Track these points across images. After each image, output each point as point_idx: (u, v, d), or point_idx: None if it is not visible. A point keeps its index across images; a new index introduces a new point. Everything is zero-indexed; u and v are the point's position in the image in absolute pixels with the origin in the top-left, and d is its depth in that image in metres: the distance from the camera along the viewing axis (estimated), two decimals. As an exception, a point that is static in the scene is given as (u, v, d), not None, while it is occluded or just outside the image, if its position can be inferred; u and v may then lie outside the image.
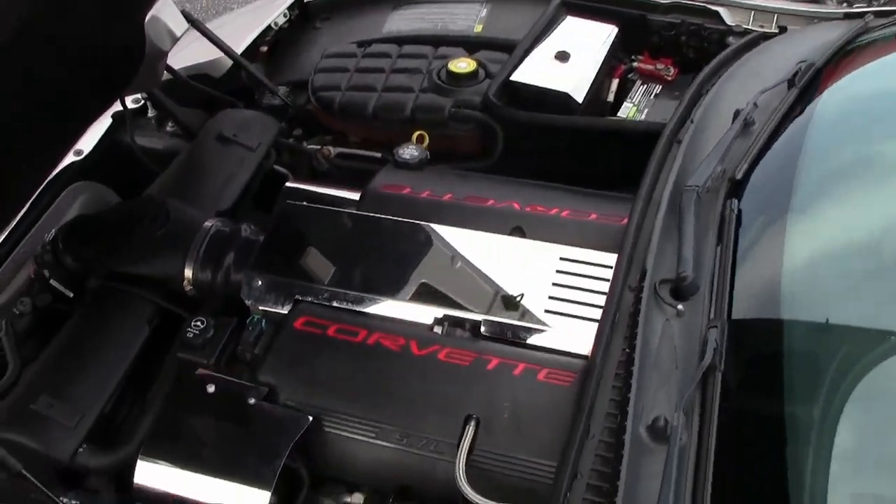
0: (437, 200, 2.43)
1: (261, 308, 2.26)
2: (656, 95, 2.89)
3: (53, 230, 2.50)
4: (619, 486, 1.70)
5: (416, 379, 2.07)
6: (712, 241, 2.08)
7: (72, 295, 2.44)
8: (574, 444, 1.81)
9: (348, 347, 2.13)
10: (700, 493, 1.68)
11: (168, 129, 3.03)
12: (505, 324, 2.14)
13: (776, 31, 2.92)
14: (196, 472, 1.97)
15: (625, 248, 2.11)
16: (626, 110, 2.82)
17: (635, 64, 2.99)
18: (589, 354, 2.01)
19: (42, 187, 2.65)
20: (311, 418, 2.02)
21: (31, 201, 2.62)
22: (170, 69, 2.86)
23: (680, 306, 1.95)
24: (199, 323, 2.22)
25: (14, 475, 2.02)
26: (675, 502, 1.66)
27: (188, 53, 3.02)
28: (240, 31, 3.06)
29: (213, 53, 2.97)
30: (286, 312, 2.23)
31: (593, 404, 1.87)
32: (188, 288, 2.37)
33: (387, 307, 2.20)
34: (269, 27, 3.18)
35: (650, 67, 2.96)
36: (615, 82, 2.97)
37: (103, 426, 2.22)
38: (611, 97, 2.95)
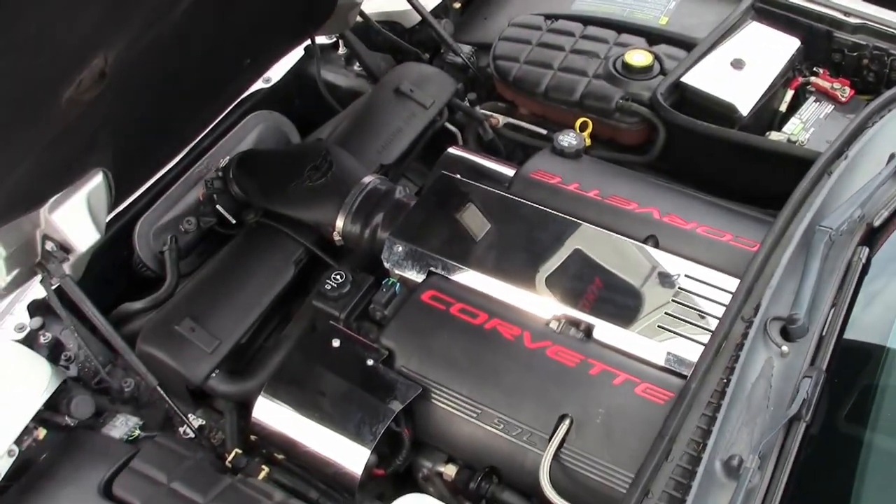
0: (582, 196, 2.50)
1: (397, 272, 2.42)
2: (826, 115, 2.82)
3: (227, 157, 2.72)
4: None
5: (523, 370, 2.19)
6: (833, 288, 2.08)
7: (234, 222, 2.66)
8: (651, 464, 1.88)
9: (466, 328, 2.26)
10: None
11: (355, 68, 3.18)
12: (617, 332, 2.22)
13: None
14: (308, 417, 2.17)
15: (746, 278, 2.11)
16: (793, 126, 2.77)
17: (812, 79, 2.92)
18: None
19: (229, 109, 2.88)
20: (420, 388, 2.18)
21: (217, 121, 2.84)
22: (362, 14, 3.00)
23: (785, 347, 1.96)
24: (338, 276, 2.39)
25: (150, 388, 2.29)
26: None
27: (382, 2, 3.15)
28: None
29: (405, 4, 3.08)
30: (419, 281, 2.38)
31: (679, 429, 1.94)
32: (336, 237, 2.55)
33: (512, 294, 2.31)
34: (460, -17, 3.27)
35: (826, 85, 2.89)
36: (790, 93, 2.91)
37: (238, 355, 2.45)
38: (783, 107, 2.90)
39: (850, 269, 2.12)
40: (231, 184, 2.65)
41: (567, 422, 2.09)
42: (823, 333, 2.01)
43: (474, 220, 2.45)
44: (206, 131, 2.80)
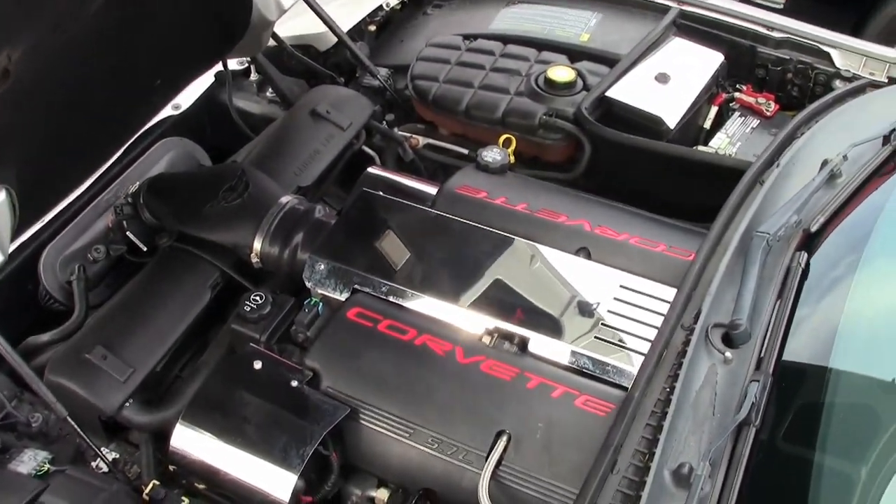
0: (510, 210, 2.42)
1: (320, 292, 2.30)
2: (752, 129, 2.82)
3: (137, 183, 2.58)
4: None
5: (456, 386, 2.09)
6: (773, 293, 2.04)
7: (146, 249, 2.52)
8: (596, 477, 1.80)
9: (395, 345, 2.15)
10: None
11: (267, 94, 3.09)
12: (552, 344, 2.13)
13: (885, 81, 2.81)
14: (230, 444, 2.03)
15: (684, 286, 2.08)
16: (720, 141, 2.76)
17: (736, 94, 2.92)
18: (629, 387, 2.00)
19: (136, 136, 2.75)
20: (348, 409, 2.05)
21: (123, 149, 2.71)
22: (275, 37, 2.92)
23: (728, 353, 1.92)
24: (257, 298, 2.27)
25: (60, 419, 2.13)
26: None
27: (298, 23, 3.07)
28: (350, 7, 3.09)
29: (322, 26, 3.00)
30: (343, 300, 2.26)
31: (624, 439, 1.86)
32: (254, 259, 2.43)
33: (441, 310, 2.21)
34: (380, 6, 3.21)
35: (751, 100, 2.89)
36: (714, 110, 2.90)
37: (152, 384, 2.31)
38: (707, 124, 2.89)
39: (790, 273, 2.09)
40: (142, 209, 2.51)
41: (504, 438, 1.99)
42: (766, 339, 1.96)
43: (394, 247, 2.34)
44: (114, 157, 2.67)
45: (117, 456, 2.27)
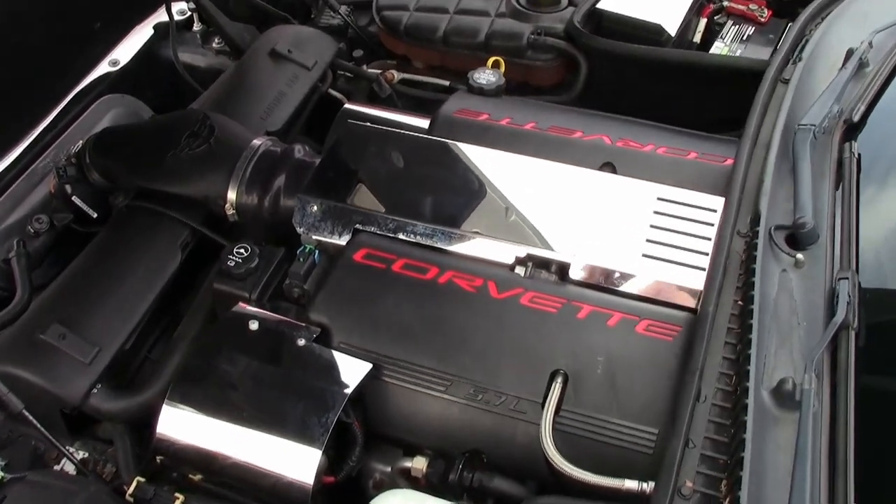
0: (519, 129, 2.13)
1: (314, 237, 1.97)
2: (748, 37, 2.58)
3: (80, 141, 2.22)
4: (745, 458, 1.43)
5: (494, 326, 1.78)
6: (829, 187, 1.86)
7: (95, 215, 2.17)
8: (686, 408, 1.54)
9: (416, 286, 1.84)
10: (841, 469, 1.44)
11: (214, 45, 2.75)
12: (597, 267, 1.84)
13: None
14: (232, 422, 1.68)
15: (733, 190, 1.87)
16: (718, 50, 2.51)
17: (726, 3, 2.67)
18: (693, 306, 1.77)
19: (71, 96, 2.40)
20: (370, 365, 1.73)
21: (57, 111, 2.36)
22: (222, -27, 2.58)
23: (799, 255, 1.72)
24: (241, 250, 1.93)
25: (14, 416, 1.75)
26: (812, 480, 1.42)
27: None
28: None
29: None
30: (344, 243, 1.94)
31: (705, 362, 1.59)
32: (230, 212, 2.08)
33: (462, 242, 1.91)
34: (332, -60, 2.88)
35: (742, 7, 2.65)
36: (703, 22, 2.65)
37: (122, 365, 1.95)
38: (697, 37, 2.63)
39: (845, 165, 1.89)
40: (89, 169, 2.15)
41: (560, 378, 1.70)
42: (839, 235, 1.78)
43: (396, 178, 2.07)
44: (50, 118, 2.32)
45: (86, 455, 1.90)
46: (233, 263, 1.91)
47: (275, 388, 1.72)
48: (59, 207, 2.15)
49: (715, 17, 2.66)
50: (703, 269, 1.81)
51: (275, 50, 2.47)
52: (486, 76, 2.28)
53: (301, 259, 1.93)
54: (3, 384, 1.75)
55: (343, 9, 2.72)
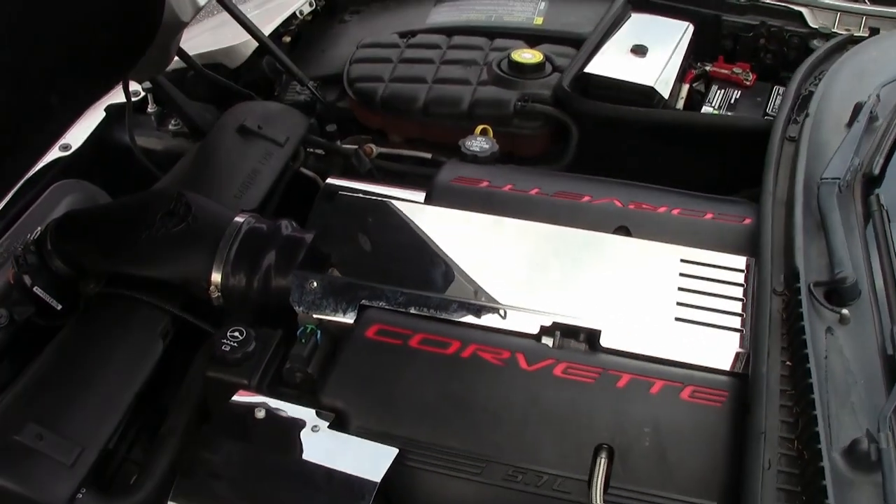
0: (524, 195, 2.01)
1: (315, 317, 1.80)
2: (736, 101, 2.53)
3: (38, 228, 2.02)
4: None
5: (527, 400, 1.63)
6: (858, 240, 1.79)
7: (60, 307, 1.95)
8: (756, 478, 1.41)
9: (438, 362, 1.68)
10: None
11: (171, 126, 2.57)
12: (629, 334, 1.71)
13: (866, 34, 2.61)
14: None
15: (764, 248, 1.80)
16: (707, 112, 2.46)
17: (709, 68, 2.63)
18: (730, 369, 1.67)
19: (21, 183, 2.19)
20: (396, 450, 1.56)
21: (6, 200, 2.15)
22: (182, 55, 2.43)
23: (844, 311, 1.62)
24: (236, 334, 1.75)
25: None
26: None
27: (199, 41, 2.60)
28: (258, 19, 2.63)
29: (228, 40, 2.56)
30: (350, 321, 1.77)
31: (768, 426, 1.48)
32: (214, 295, 1.89)
33: (480, 314, 1.76)
34: (292, 15, 2.77)
35: (726, 72, 2.61)
36: (685, 88, 2.60)
37: (104, 466, 1.74)
38: (680, 104, 2.57)
39: (875, 217, 1.85)
40: (51, 257, 1.94)
41: (605, 453, 1.56)
42: (880, 288, 1.71)
43: (385, 264, 1.90)
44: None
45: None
46: (227, 349, 1.73)
47: (293, 480, 1.53)
48: (18, 300, 1.93)
49: (694, 85, 2.61)
50: (739, 331, 1.71)
51: (244, 126, 2.31)
52: (478, 143, 2.17)
53: (303, 340, 1.76)
54: None
55: (309, 84, 2.58)
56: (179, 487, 1.52)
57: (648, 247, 1.88)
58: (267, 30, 2.65)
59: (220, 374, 1.72)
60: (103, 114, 2.50)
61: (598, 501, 1.50)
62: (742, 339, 1.70)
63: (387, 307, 1.78)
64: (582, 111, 2.33)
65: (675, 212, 1.98)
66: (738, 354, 1.68)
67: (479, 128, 2.31)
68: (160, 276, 1.92)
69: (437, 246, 1.89)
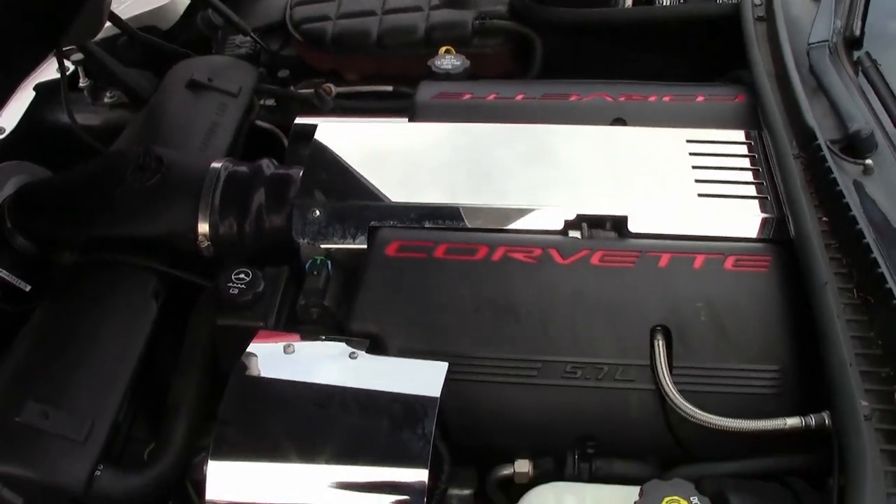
0: (511, 102, 1.93)
1: (322, 247, 1.68)
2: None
3: None
4: None
5: (571, 294, 1.55)
6: (858, 97, 1.78)
7: (28, 288, 1.79)
8: (833, 325, 1.36)
9: (469, 269, 1.58)
10: None
11: (106, 99, 2.40)
12: (656, 215, 1.66)
13: None
14: (302, 462, 1.34)
15: (772, 115, 1.78)
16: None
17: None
18: (757, 235, 1.64)
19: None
20: (445, 363, 1.45)
21: None
22: (115, 19, 2.27)
23: (868, 161, 1.61)
24: (242, 276, 1.62)
25: None
26: None
27: (128, 7, 2.44)
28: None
29: (158, 1, 2.39)
30: (361, 247, 1.66)
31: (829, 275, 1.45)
32: (204, 245, 1.76)
33: (500, 216, 1.67)
34: (220, -30, 2.61)
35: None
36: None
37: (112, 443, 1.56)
38: (629, 2, 2.51)
39: (869, 73, 1.86)
40: (12, 235, 1.79)
41: (661, 334, 1.49)
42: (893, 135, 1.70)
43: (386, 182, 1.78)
44: None
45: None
46: (236, 291, 1.60)
47: (344, 411, 1.39)
48: None
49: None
50: (761, 198, 1.68)
51: (193, 80, 2.17)
52: (449, 61, 2.09)
53: (315, 273, 1.64)
54: None
55: (252, 33, 2.44)
56: (218, 445, 1.36)
57: (651, 133, 1.83)
58: (192, -13, 2.50)
59: (232, 320, 1.59)
60: (33, 93, 2.31)
61: (667, 383, 1.44)
62: (763, 205, 1.66)
63: (399, 225, 1.67)
64: (542, 20, 2.27)
65: (666, 98, 1.94)
66: (764, 220, 1.65)
67: (443, 48, 2.22)
68: (142, 233, 1.78)
69: (433, 160, 1.78)
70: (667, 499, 1.21)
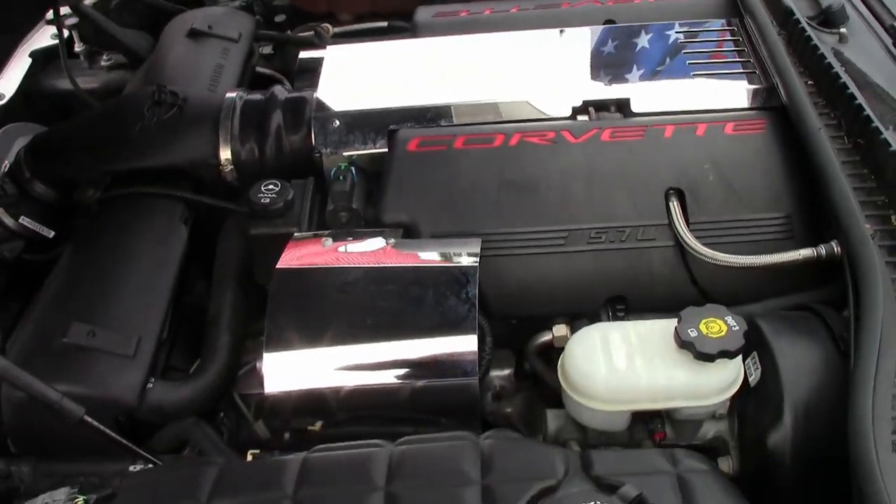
0: (506, 14, 2.03)
1: (345, 154, 1.76)
2: None
3: (6, 162, 1.90)
4: None
5: (587, 167, 1.64)
6: None
7: (52, 234, 1.85)
8: (831, 159, 1.48)
9: (488, 156, 1.67)
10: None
11: (103, 62, 2.45)
12: (656, 93, 1.76)
13: None
14: (358, 342, 1.41)
15: (751, 1, 1.90)
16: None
17: None
18: (749, 104, 1.75)
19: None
20: (479, 239, 1.54)
21: None
22: (109, -27, 2.34)
23: (843, 30, 1.75)
24: (271, 186, 1.70)
25: (77, 422, 1.42)
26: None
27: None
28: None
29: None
30: (383, 150, 1.74)
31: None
32: (228, 169, 1.82)
33: (512, 108, 1.76)
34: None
35: None
36: None
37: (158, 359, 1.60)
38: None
39: None
40: (31, 184, 1.83)
41: (675, 194, 1.59)
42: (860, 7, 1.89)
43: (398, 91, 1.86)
44: None
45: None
46: (268, 200, 1.67)
47: (388, 287, 1.46)
48: (4, 236, 1.80)
49: None
50: (750, 73, 1.79)
51: (194, 29, 2.23)
52: (439, -15, 2.17)
53: (341, 178, 1.72)
54: (27, 403, 1.41)
55: (234, -9, 2.51)
56: (271, 340, 1.41)
57: (643, 27, 1.92)
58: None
59: (265, 228, 1.66)
60: (29, 60, 2.37)
61: (686, 235, 1.53)
62: (751, 78, 1.78)
63: (417, 126, 1.75)
64: None
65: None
66: (754, 91, 1.76)
67: (434, -24, 2.30)
68: (165, 163, 1.84)
69: (441, 68, 1.87)
70: (704, 320, 1.30)
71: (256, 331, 1.59)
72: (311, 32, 2.35)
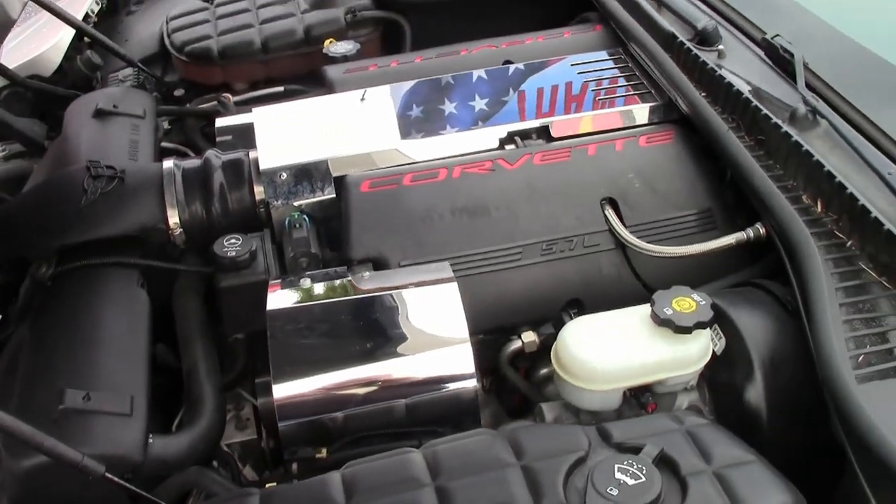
0: (412, 63, 2.20)
1: (296, 204, 1.87)
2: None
3: None
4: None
5: (527, 189, 1.81)
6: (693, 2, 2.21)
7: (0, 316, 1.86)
8: (745, 155, 1.71)
9: (437, 188, 1.82)
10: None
11: (-1, 153, 2.46)
12: (571, 119, 1.97)
13: None
14: (358, 364, 1.52)
15: (637, 31, 2.14)
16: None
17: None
18: (647, 120, 1.99)
19: None
20: (446, 263, 1.68)
21: None
22: (3, 71, 2.35)
23: (720, 46, 2.01)
24: (233, 240, 1.78)
25: (100, 478, 1.45)
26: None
27: (5, 58, 2.50)
28: (50, 26, 2.59)
29: (34, 50, 2.50)
30: (331, 196, 1.86)
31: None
32: (177, 233, 1.89)
33: (443, 145, 1.92)
34: (85, 17, 2.71)
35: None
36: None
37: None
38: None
39: None
40: None
41: (609, 205, 1.79)
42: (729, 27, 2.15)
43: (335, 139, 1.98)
44: None
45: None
46: (234, 253, 1.75)
47: (378, 313, 1.58)
48: None
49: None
50: (646, 92, 2.02)
51: (100, 109, 2.25)
52: (342, 46, 2.33)
53: (297, 226, 1.82)
54: (37, 478, 1.42)
55: (128, 70, 2.58)
56: (278, 372, 1.50)
57: (542, 65, 2.12)
58: (65, 36, 2.60)
59: (236, 280, 1.74)
60: None
61: (626, 235, 1.72)
62: (644, 97, 2.01)
63: (362, 171, 1.88)
64: (405, 3, 2.53)
65: (540, 39, 2.26)
66: (652, 107, 2.00)
67: (327, 41, 2.45)
68: (117, 232, 1.87)
69: (368, 117, 2.00)
70: (674, 299, 1.48)
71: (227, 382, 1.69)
72: (213, 103, 2.44)
